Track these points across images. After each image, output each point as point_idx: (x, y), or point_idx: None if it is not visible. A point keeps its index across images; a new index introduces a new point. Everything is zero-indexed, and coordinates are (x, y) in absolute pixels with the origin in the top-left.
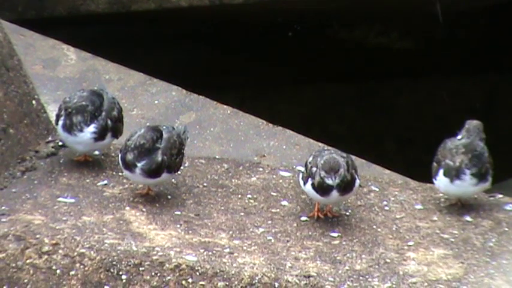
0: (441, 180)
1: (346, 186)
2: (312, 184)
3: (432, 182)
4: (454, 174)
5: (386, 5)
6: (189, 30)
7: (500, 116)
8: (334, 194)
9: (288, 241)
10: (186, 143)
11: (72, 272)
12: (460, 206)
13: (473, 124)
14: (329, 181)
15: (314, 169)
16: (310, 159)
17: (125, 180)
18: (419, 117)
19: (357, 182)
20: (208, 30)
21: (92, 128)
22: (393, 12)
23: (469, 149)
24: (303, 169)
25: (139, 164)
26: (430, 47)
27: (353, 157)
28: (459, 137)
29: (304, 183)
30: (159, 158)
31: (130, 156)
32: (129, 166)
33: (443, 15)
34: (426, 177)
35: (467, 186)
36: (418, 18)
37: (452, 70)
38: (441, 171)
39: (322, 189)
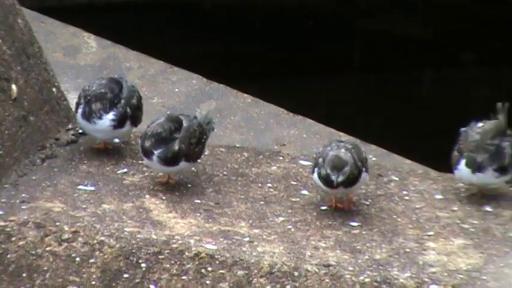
0: (463, 171)
1: (351, 181)
2: (318, 174)
3: (452, 172)
4: (476, 166)
5: None
6: (209, 18)
7: None
8: (339, 187)
9: (307, 230)
10: (209, 134)
11: (92, 260)
12: (481, 196)
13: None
14: (333, 178)
15: (320, 160)
16: (320, 149)
17: (144, 169)
18: (441, 108)
19: (364, 174)
20: (228, 18)
21: (111, 115)
22: (417, 2)
23: (491, 147)
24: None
25: (156, 152)
26: (454, 37)
27: (373, 147)
28: (480, 124)
29: (312, 172)
30: (176, 147)
31: (147, 144)
32: (147, 153)
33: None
34: (447, 167)
35: (489, 178)
36: (441, 8)
37: (477, 61)
38: (463, 162)
39: (327, 182)
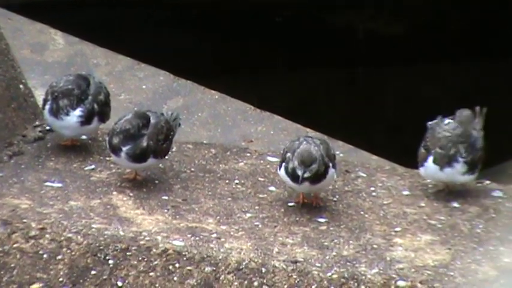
0: (430, 167)
1: (318, 177)
2: (286, 168)
3: (418, 168)
4: (445, 161)
5: None
6: (177, 14)
7: (488, 102)
8: (306, 183)
9: (275, 226)
10: (176, 130)
11: (59, 257)
12: (447, 192)
13: (464, 114)
14: (299, 173)
15: (289, 155)
16: (287, 144)
17: (112, 165)
18: (408, 104)
19: (331, 171)
20: (196, 14)
21: (78, 111)
22: None
23: (465, 138)
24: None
25: (124, 148)
26: (419, 33)
27: (340, 143)
28: (446, 121)
29: (279, 168)
30: (144, 144)
31: (115, 140)
32: (115, 150)
33: None
34: (414, 163)
35: (455, 174)
36: (408, 2)
37: (441, 56)
38: (430, 159)
39: (294, 177)
